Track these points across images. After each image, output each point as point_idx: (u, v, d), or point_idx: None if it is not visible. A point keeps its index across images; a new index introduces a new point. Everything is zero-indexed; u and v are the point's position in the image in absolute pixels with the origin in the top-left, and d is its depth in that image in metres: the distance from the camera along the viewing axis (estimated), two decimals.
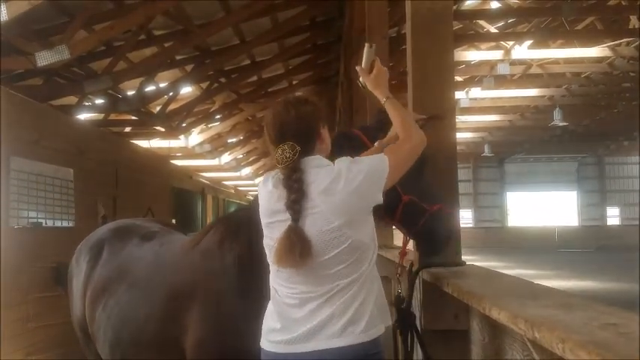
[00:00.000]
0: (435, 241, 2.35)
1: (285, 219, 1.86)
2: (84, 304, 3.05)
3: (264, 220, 1.99)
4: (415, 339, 2.44)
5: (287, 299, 1.91)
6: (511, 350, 1.84)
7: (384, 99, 2.15)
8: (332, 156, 2.32)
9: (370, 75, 2.23)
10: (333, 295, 1.84)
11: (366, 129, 2.51)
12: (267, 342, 1.93)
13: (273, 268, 1.95)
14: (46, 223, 5.62)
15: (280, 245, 1.84)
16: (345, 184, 1.84)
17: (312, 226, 1.82)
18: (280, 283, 1.94)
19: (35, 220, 5.46)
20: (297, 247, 1.79)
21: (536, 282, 1.95)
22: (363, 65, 2.24)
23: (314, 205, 1.84)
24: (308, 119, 1.94)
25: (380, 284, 1.96)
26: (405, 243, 2.48)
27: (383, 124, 2.53)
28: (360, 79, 2.29)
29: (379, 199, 1.90)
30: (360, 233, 1.86)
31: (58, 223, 5.85)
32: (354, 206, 1.86)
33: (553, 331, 1.18)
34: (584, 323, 1.21)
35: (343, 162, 1.91)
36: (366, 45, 2.27)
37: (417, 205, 2.26)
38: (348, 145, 2.45)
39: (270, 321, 1.94)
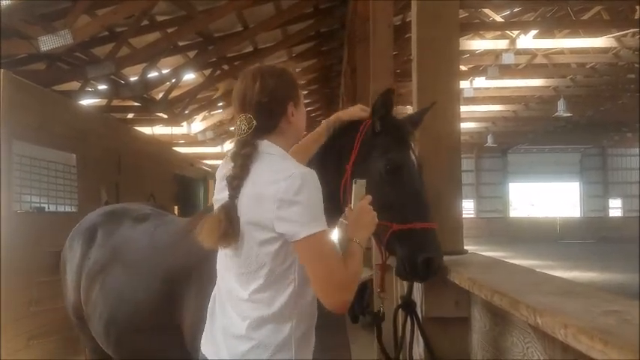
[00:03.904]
0: (404, 262, 2.05)
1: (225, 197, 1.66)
2: (79, 287, 3.05)
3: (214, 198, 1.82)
4: (415, 326, 2.45)
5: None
6: (512, 337, 1.84)
7: (355, 238, 1.72)
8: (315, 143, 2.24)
9: (353, 210, 1.81)
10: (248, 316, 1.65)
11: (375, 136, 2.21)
12: None
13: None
14: (48, 208, 5.63)
15: (207, 222, 1.65)
16: (261, 205, 1.58)
17: (244, 208, 1.61)
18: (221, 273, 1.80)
19: (38, 205, 5.47)
20: (222, 226, 1.59)
21: None
22: (351, 204, 1.85)
23: (250, 189, 1.62)
24: (273, 93, 1.70)
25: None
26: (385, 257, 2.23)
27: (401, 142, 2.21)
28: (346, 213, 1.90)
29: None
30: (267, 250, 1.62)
31: (61, 208, 5.86)
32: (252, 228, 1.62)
33: (555, 317, 1.18)
34: (587, 310, 1.21)
35: (292, 188, 1.54)
36: (353, 181, 1.88)
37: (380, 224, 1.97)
38: (339, 135, 2.27)
39: None
